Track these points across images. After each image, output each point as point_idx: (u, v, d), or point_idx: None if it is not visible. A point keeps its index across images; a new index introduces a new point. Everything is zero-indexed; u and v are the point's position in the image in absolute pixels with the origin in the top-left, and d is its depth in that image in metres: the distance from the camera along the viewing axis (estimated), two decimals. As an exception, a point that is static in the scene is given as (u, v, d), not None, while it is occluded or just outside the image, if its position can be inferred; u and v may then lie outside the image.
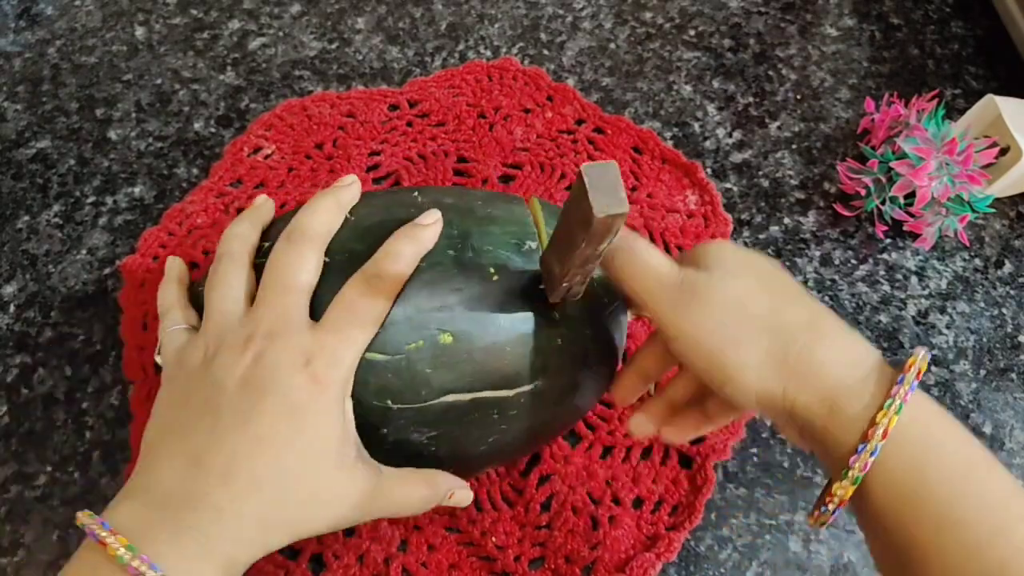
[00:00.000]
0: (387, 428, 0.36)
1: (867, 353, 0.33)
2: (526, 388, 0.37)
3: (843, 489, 0.31)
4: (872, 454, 0.30)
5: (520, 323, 0.36)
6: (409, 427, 0.36)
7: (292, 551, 0.45)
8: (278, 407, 0.33)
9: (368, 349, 0.35)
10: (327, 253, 0.37)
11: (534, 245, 0.38)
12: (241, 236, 0.39)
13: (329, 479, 0.34)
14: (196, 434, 0.33)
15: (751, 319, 0.33)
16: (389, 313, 0.35)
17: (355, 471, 0.35)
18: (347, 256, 0.36)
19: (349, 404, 0.35)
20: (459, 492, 0.39)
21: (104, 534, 0.31)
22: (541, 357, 0.37)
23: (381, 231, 0.36)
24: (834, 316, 0.34)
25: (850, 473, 0.30)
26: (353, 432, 0.35)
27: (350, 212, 0.39)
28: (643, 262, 0.34)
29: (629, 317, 0.45)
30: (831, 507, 0.32)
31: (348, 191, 0.39)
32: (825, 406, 0.31)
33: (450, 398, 0.36)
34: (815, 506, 0.34)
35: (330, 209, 0.37)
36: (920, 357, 0.32)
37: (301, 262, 0.36)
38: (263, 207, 0.42)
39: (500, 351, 0.36)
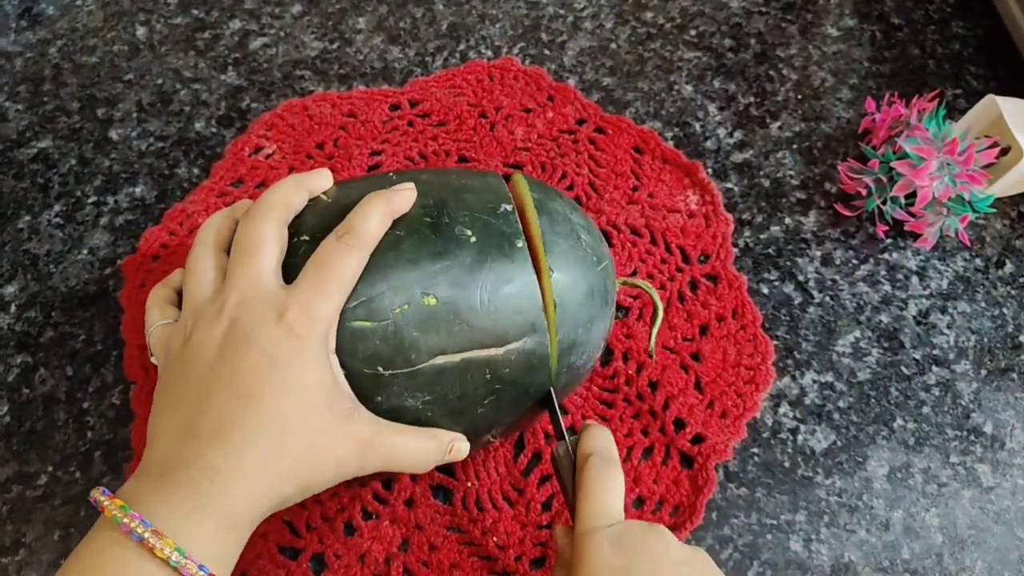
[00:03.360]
0: (381, 395, 0.36)
1: None
2: (515, 345, 0.37)
3: None
4: None
5: (501, 281, 0.37)
6: (403, 393, 0.37)
7: (293, 551, 0.45)
8: (259, 363, 0.33)
9: (354, 318, 0.35)
10: (307, 231, 0.37)
11: (509, 208, 0.39)
12: (211, 225, 0.39)
13: (324, 427, 0.34)
14: (185, 406, 0.34)
15: None
16: (371, 282, 0.35)
17: (350, 419, 0.35)
18: (325, 232, 0.36)
19: (335, 359, 0.35)
20: (459, 444, 0.39)
21: (103, 499, 0.32)
22: (524, 315, 0.37)
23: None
24: None
25: None
26: (344, 384, 0.35)
27: (326, 194, 0.40)
28: (594, 498, 0.37)
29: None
30: None
31: (314, 177, 0.40)
32: None
33: (440, 360, 0.36)
34: None
35: (290, 188, 0.38)
36: None
37: (263, 231, 0.36)
38: (239, 206, 0.42)
39: (485, 309, 0.37)
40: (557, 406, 0.41)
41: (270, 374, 0.33)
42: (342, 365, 0.35)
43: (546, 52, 0.66)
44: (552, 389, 0.40)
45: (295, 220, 0.38)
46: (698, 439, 0.48)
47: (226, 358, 0.34)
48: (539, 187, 0.43)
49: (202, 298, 0.36)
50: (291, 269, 0.36)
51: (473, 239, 0.37)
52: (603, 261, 0.42)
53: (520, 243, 0.38)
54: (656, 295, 0.46)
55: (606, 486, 0.37)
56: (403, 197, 0.38)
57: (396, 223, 0.37)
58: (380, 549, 0.45)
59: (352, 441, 0.35)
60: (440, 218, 0.38)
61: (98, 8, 0.69)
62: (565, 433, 0.41)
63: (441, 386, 0.37)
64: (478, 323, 0.36)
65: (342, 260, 0.35)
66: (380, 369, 0.36)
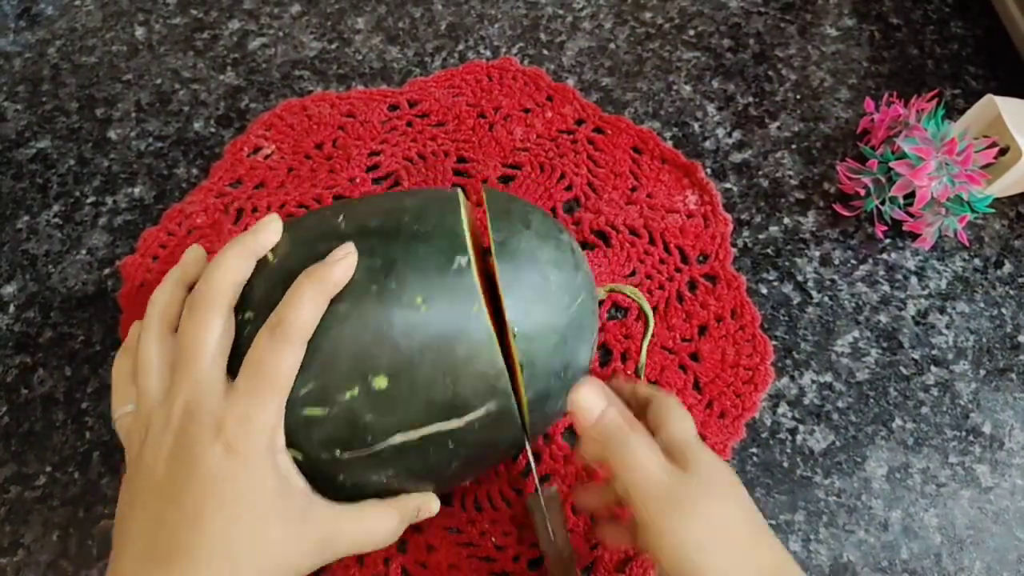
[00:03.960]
0: (342, 475, 0.35)
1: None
2: (478, 414, 0.35)
3: None
4: None
5: (456, 351, 0.34)
6: (365, 471, 0.35)
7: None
8: (202, 485, 0.33)
9: (304, 405, 0.34)
10: (252, 306, 0.35)
11: (464, 261, 0.35)
12: (156, 304, 0.38)
13: (275, 537, 0.33)
14: (143, 520, 0.34)
15: (732, 548, 0.33)
16: (318, 366, 0.34)
17: (304, 520, 0.34)
18: (270, 308, 0.34)
19: (284, 459, 0.34)
20: (427, 506, 0.39)
21: None
22: (486, 381, 0.35)
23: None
24: (793, 563, 0.35)
25: None
26: (298, 484, 0.35)
27: (273, 251, 0.37)
28: (637, 460, 0.34)
29: (601, 295, 0.45)
30: None
31: (259, 237, 0.37)
32: None
33: (398, 438, 0.34)
34: None
35: (233, 263, 0.36)
36: None
37: (206, 328, 0.34)
38: (190, 263, 0.40)
39: (443, 382, 0.34)
40: (532, 458, 0.41)
41: (212, 497, 0.33)
42: (299, 450, 0.34)
43: (545, 52, 0.66)
44: (527, 442, 0.39)
45: (244, 290, 0.36)
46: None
47: (175, 478, 0.33)
48: (503, 221, 0.38)
49: (152, 400, 0.35)
50: (238, 352, 0.35)
51: (424, 308, 0.34)
52: (578, 296, 0.39)
53: (476, 307, 0.34)
54: (646, 304, 0.45)
55: (639, 453, 0.35)
56: (339, 272, 0.35)
57: (341, 294, 0.34)
58: (379, 551, 0.45)
59: (308, 542, 0.34)
60: (387, 283, 0.34)
61: (97, 8, 0.69)
62: (539, 486, 0.41)
63: (404, 461, 0.36)
64: (435, 397, 0.34)
65: (276, 359, 0.33)
66: (338, 452, 0.34)
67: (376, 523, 0.36)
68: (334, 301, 0.34)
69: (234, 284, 0.36)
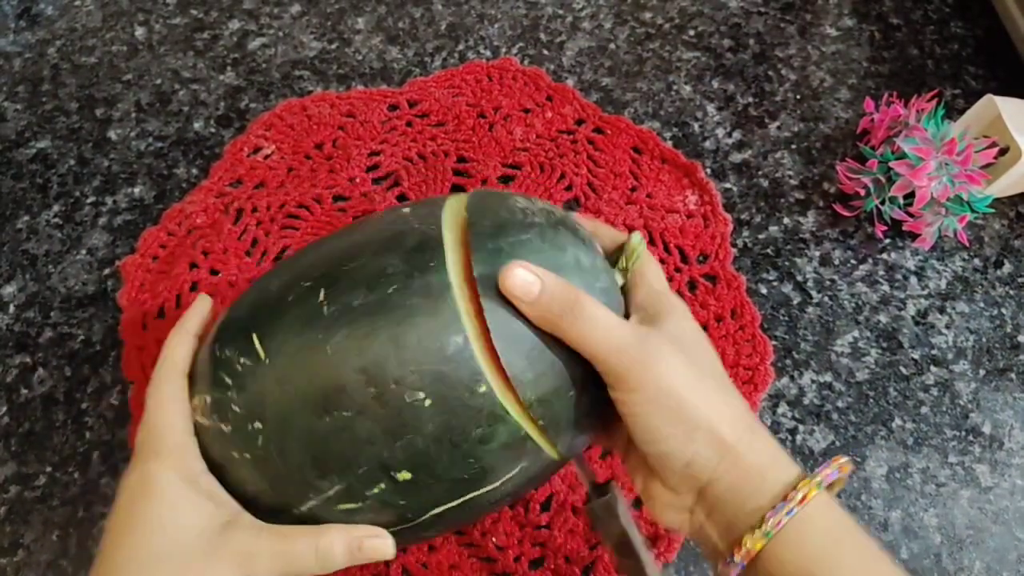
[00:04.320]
0: (397, 538, 0.35)
1: (786, 455, 0.35)
2: (511, 474, 0.34)
3: (753, 541, 0.32)
4: (788, 513, 0.31)
5: (472, 434, 0.32)
6: (417, 535, 0.36)
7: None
8: (121, 508, 0.36)
9: (338, 503, 0.34)
10: (261, 418, 0.35)
11: (461, 340, 0.32)
12: (167, 357, 0.39)
13: (189, 553, 0.34)
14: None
15: (707, 396, 0.33)
16: (339, 470, 0.34)
17: (224, 535, 0.35)
18: (278, 415, 0.34)
19: (205, 480, 0.36)
20: (369, 542, 0.36)
21: None
22: (511, 449, 0.33)
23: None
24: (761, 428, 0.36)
25: (764, 526, 0.31)
26: (219, 497, 0.36)
27: (263, 349, 0.35)
28: (593, 319, 0.33)
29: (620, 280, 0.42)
30: (737, 558, 0.32)
31: (190, 319, 0.40)
32: (753, 480, 0.33)
33: (438, 510, 0.34)
34: (716, 559, 0.34)
35: (176, 346, 0.39)
36: (815, 480, 0.33)
37: (166, 400, 0.37)
38: (196, 315, 0.41)
39: (465, 463, 0.33)
40: (584, 472, 0.41)
41: (125, 521, 0.35)
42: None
43: (545, 52, 0.66)
44: (576, 461, 0.40)
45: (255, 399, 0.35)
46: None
47: (114, 509, 0.36)
48: (492, 240, 0.34)
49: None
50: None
51: (428, 402, 0.32)
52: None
53: (483, 388, 0.32)
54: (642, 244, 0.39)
55: (591, 317, 0.34)
56: (191, 314, 0.40)
57: (341, 401, 0.32)
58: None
59: (230, 558, 0.34)
60: (385, 385, 0.32)
61: (97, 8, 0.69)
62: (593, 494, 0.40)
63: (448, 521, 0.35)
64: (463, 475, 0.33)
65: (154, 403, 0.37)
66: (389, 528, 0.35)
67: (303, 548, 0.35)
68: (337, 407, 0.33)
69: (181, 360, 0.38)
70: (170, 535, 0.34)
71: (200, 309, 0.41)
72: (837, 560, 0.31)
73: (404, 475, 0.33)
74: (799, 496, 0.31)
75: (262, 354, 0.34)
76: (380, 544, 0.35)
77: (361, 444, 0.33)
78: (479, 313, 0.33)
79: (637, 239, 0.38)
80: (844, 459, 0.34)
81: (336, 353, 0.32)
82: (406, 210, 0.37)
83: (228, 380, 0.35)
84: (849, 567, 0.31)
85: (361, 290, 0.33)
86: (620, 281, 0.38)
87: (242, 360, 0.35)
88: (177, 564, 0.34)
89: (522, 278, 0.33)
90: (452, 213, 0.36)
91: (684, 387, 0.33)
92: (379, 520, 0.35)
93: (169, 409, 0.37)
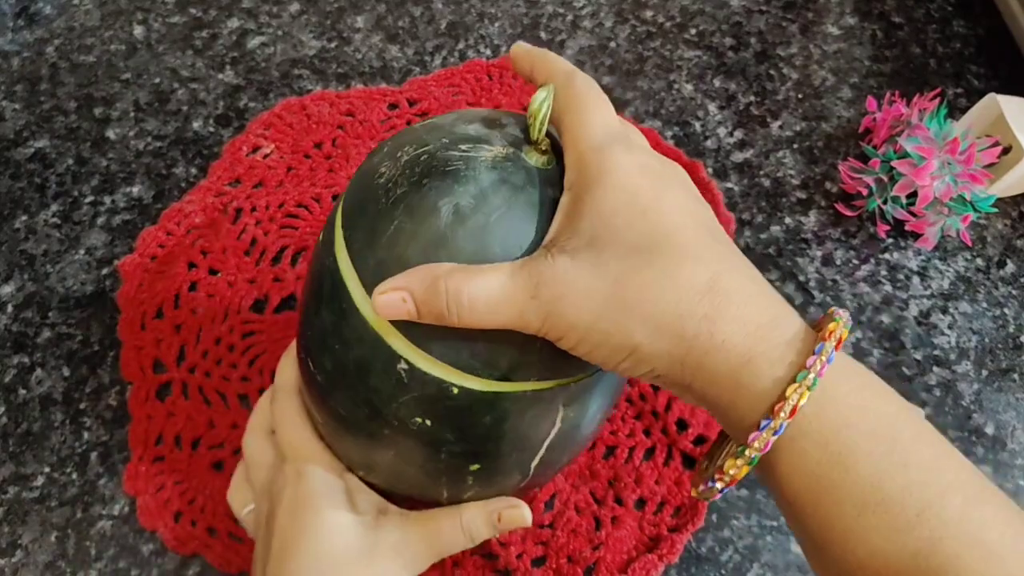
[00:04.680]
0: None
1: (782, 315, 0.28)
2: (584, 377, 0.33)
3: (736, 468, 0.28)
4: (775, 432, 0.27)
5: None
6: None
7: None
8: (282, 527, 0.37)
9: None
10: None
11: (405, 366, 0.32)
12: (258, 411, 0.42)
13: (349, 554, 0.36)
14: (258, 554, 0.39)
15: (636, 304, 0.27)
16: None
17: (379, 534, 0.37)
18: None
19: (345, 482, 0.38)
20: (507, 513, 0.38)
21: None
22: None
23: None
24: (741, 267, 0.29)
25: (746, 452, 0.27)
26: (363, 499, 0.38)
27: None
28: (476, 303, 0.28)
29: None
30: (719, 485, 0.29)
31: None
32: (731, 380, 0.27)
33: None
34: (700, 477, 0.31)
35: (284, 370, 0.41)
36: (842, 322, 0.28)
37: (288, 413, 0.40)
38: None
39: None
40: None
41: (292, 534, 0.37)
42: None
43: (545, 51, 0.66)
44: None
45: None
46: (700, 440, 0.48)
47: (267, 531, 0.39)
48: (376, 279, 0.31)
49: (263, 486, 0.40)
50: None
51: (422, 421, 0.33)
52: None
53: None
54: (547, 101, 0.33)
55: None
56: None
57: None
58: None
59: (386, 549, 0.37)
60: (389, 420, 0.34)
61: (95, 7, 0.69)
62: None
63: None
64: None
65: (280, 418, 0.40)
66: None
67: (449, 528, 0.37)
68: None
69: (291, 380, 0.40)
70: (337, 539, 0.36)
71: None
72: (842, 480, 0.26)
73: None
74: (788, 408, 0.26)
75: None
76: (518, 513, 0.37)
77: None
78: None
79: (540, 97, 0.31)
80: (843, 318, 0.28)
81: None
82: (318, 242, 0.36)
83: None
84: (855, 486, 0.26)
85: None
86: (537, 162, 0.32)
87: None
88: (346, 565, 0.36)
89: (389, 303, 0.29)
90: (340, 233, 0.34)
91: (595, 325, 0.28)
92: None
93: (297, 423, 0.39)
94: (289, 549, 0.36)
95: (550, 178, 0.31)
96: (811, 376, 0.26)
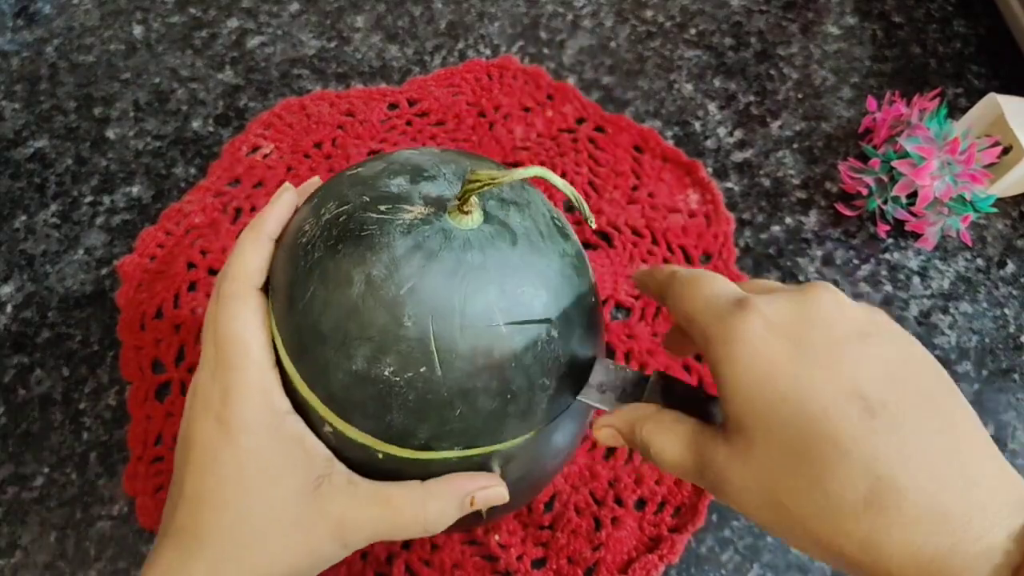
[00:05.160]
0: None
1: (977, 529, 0.22)
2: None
3: None
4: None
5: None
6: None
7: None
8: (198, 462, 0.31)
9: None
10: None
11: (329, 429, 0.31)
12: (235, 263, 0.34)
13: (280, 516, 0.31)
14: (168, 501, 0.33)
15: (789, 512, 0.24)
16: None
17: (318, 496, 0.31)
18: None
19: (291, 423, 0.31)
20: (481, 495, 0.32)
21: None
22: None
23: None
24: (915, 450, 0.23)
25: None
26: (314, 451, 0.31)
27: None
28: (658, 453, 0.29)
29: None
30: None
31: (269, 219, 0.34)
32: None
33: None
34: None
35: (249, 252, 0.33)
36: None
37: (230, 317, 0.32)
38: (277, 210, 0.35)
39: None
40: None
41: (210, 475, 0.31)
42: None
43: (545, 51, 0.66)
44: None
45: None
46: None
47: (182, 459, 0.32)
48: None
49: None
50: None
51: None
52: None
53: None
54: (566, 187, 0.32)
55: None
56: (271, 213, 0.33)
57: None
58: (382, 547, 0.45)
59: (323, 522, 0.31)
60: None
61: (95, 7, 0.69)
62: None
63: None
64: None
65: (227, 318, 0.31)
66: None
67: (408, 517, 0.31)
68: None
69: (254, 269, 0.33)
70: (266, 501, 0.30)
71: (283, 205, 0.34)
72: None
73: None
74: None
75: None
76: (493, 493, 0.32)
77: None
78: None
79: (543, 173, 0.30)
80: None
81: None
82: None
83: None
84: None
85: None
86: (460, 223, 0.31)
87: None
88: (272, 535, 0.30)
89: (606, 439, 0.31)
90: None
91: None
92: None
93: (243, 336, 0.31)
94: (205, 500, 0.30)
95: (473, 240, 0.30)
96: None
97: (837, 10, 0.69)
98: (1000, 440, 0.49)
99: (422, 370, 0.29)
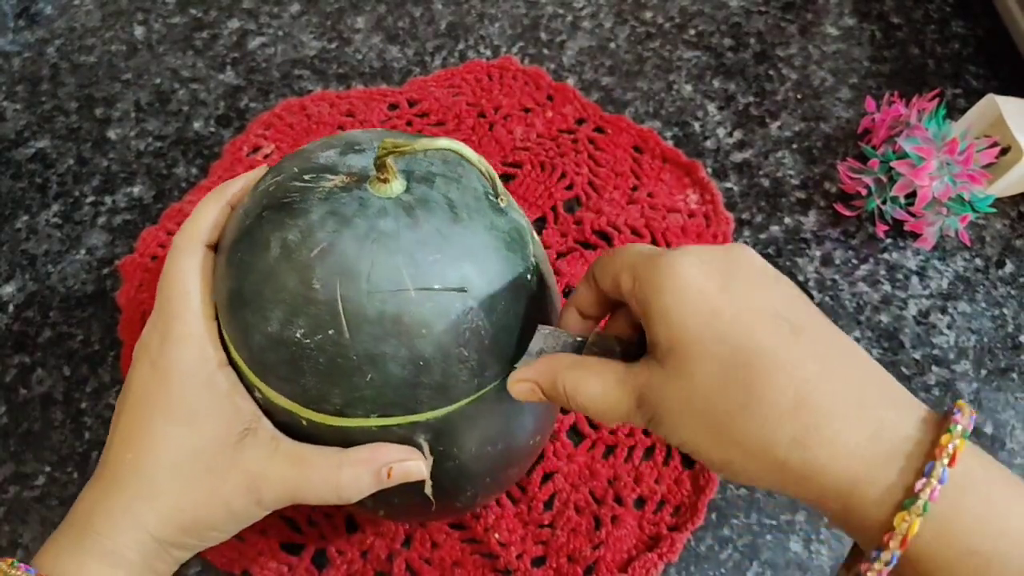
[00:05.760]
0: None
1: (886, 422, 0.26)
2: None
3: (910, 520, 0.24)
4: (888, 564, 0.24)
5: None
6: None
7: (295, 547, 0.45)
8: (132, 403, 0.33)
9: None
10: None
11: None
12: (194, 220, 0.35)
13: (198, 462, 0.32)
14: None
15: (724, 426, 0.26)
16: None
17: (239, 448, 0.32)
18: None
19: (223, 376, 0.32)
20: (399, 467, 0.32)
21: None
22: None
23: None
24: (832, 363, 0.26)
25: (916, 501, 0.24)
26: (239, 405, 0.32)
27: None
28: (587, 398, 0.29)
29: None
30: (893, 544, 0.25)
31: (232, 186, 0.36)
32: (836, 504, 0.26)
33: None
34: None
35: (204, 210, 0.35)
36: (958, 430, 0.25)
37: (177, 269, 0.34)
38: (243, 180, 0.37)
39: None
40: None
41: (139, 416, 0.32)
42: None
43: (545, 52, 0.66)
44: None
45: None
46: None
47: (120, 401, 0.34)
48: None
49: None
50: None
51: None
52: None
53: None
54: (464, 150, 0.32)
55: (584, 392, 0.30)
56: (240, 182, 0.35)
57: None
58: (383, 545, 0.45)
59: (238, 474, 0.32)
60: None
61: (96, 8, 0.69)
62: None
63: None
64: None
65: (173, 268, 0.33)
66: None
67: (320, 480, 0.32)
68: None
69: (206, 226, 0.34)
70: (186, 445, 0.31)
71: (250, 177, 0.36)
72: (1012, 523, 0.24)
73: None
74: (898, 538, 0.24)
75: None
76: (413, 467, 0.32)
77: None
78: None
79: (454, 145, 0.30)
80: (958, 428, 0.26)
81: None
82: None
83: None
84: None
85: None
86: (379, 191, 0.32)
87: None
88: (187, 481, 0.31)
89: (523, 392, 0.31)
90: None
91: (692, 441, 0.27)
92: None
93: (185, 287, 0.32)
94: (130, 441, 0.32)
95: (389, 208, 0.31)
96: (920, 502, 0.24)
97: (836, 11, 0.69)
98: (999, 439, 0.49)
99: (330, 333, 0.29)
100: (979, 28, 0.68)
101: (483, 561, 0.45)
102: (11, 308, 0.54)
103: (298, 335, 0.30)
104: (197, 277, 0.33)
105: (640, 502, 0.47)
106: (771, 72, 0.65)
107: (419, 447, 0.33)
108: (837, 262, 0.56)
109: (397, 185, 0.32)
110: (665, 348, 0.27)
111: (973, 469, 0.25)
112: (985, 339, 0.53)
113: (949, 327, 0.53)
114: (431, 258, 0.30)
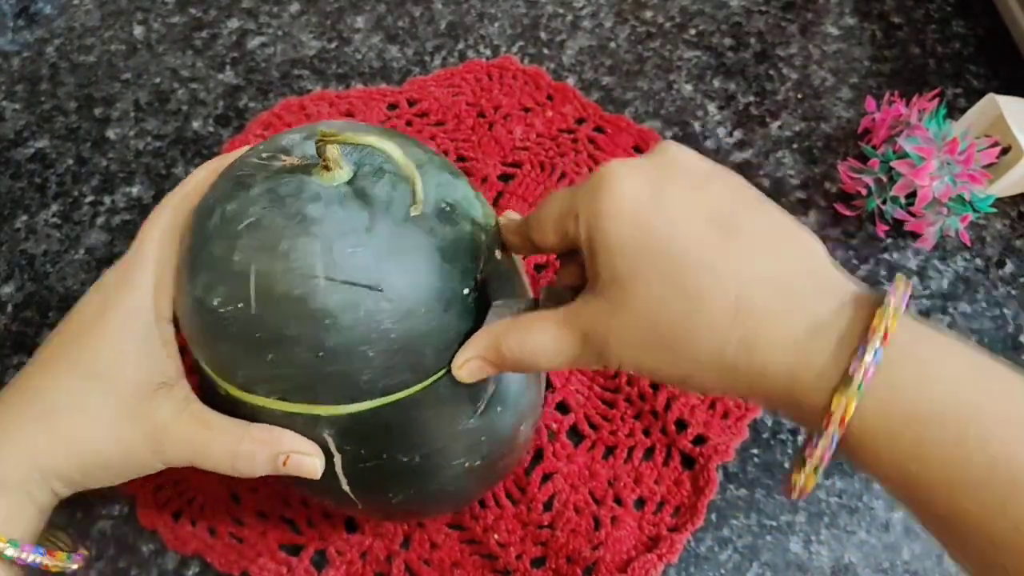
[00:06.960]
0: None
1: (822, 317, 0.26)
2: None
3: (802, 479, 0.27)
4: (829, 447, 0.25)
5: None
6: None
7: (295, 548, 0.45)
8: (66, 329, 0.34)
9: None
10: None
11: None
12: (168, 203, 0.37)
13: (108, 401, 0.33)
14: None
15: (674, 340, 0.27)
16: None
17: (151, 398, 0.33)
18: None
19: (162, 329, 0.34)
20: (296, 458, 0.32)
21: None
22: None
23: None
24: (766, 263, 0.27)
25: (807, 464, 0.26)
26: (164, 360, 0.34)
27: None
28: (533, 351, 0.30)
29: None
30: (832, 429, 0.26)
31: (227, 157, 0.37)
32: (785, 399, 0.27)
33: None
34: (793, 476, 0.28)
35: (196, 176, 0.37)
36: (889, 310, 0.25)
37: (152, 219, 0.35)
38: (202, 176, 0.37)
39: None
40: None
41: (68, 340, 0.34)
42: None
43: (545, 51, 0.66)
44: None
45: None
46: (700, 440, 0.48)
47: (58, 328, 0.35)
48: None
49: None
50: None
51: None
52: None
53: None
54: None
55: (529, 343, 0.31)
56: (236, 154, 0.36)
57: None
58: (382, 546, 0.45)
59: (144, 423, 0.33)
60: None
61: (95, 7, 0.69)
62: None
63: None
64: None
65: (148, 224, 0.35)
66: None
67: (219, 447, 0.33)
68: None
69: (192, 189, 0.36)
70: (102, 383, 0.33)
71: (246, 150, 0.37)
72: (916, 481, 0.25)
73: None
74: (836, 419, 0.25)
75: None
76: (308, 462, 0.33)
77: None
78: None
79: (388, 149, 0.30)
80: (891, 304, 0.25)
81: None
82: None
83: None
84: (932, 489, 0.25)
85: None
86: (320, 176, 0.32)
87: None
88: (92, 415, 0.32)
89: (472, 372, 0.31)
90: None
91: (641, 357, 0.28)
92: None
93: (154, 238, 0.34)
94: (52, 365, 0.33)
95: (323, 195, 0.31)
96: (855, 384, 0.24)
97: (836, 11, 0.69)
98: (999, 440, 0.49)
99: (240, 305, 0.30)
100: (980, 28, 0.68)
101: (482, 562, 0.45)
102: (10, 308, 0.53)
103: (215, 302, 0.31)
104: (169, 233, 0.34)
105: (640, 503, 0.47)
106: (771, 72, 0.65)
107: (323, 443, 0.33)
108: (837, 262, 0.56)
109: (341, 174, 0.32)
110: (607, 279, 0.27)
111: (909, 344, 0.25)
112: (985, 339, 0.53)
113: (949, 327, 0.53)
114: (349, 251, 0.30)
